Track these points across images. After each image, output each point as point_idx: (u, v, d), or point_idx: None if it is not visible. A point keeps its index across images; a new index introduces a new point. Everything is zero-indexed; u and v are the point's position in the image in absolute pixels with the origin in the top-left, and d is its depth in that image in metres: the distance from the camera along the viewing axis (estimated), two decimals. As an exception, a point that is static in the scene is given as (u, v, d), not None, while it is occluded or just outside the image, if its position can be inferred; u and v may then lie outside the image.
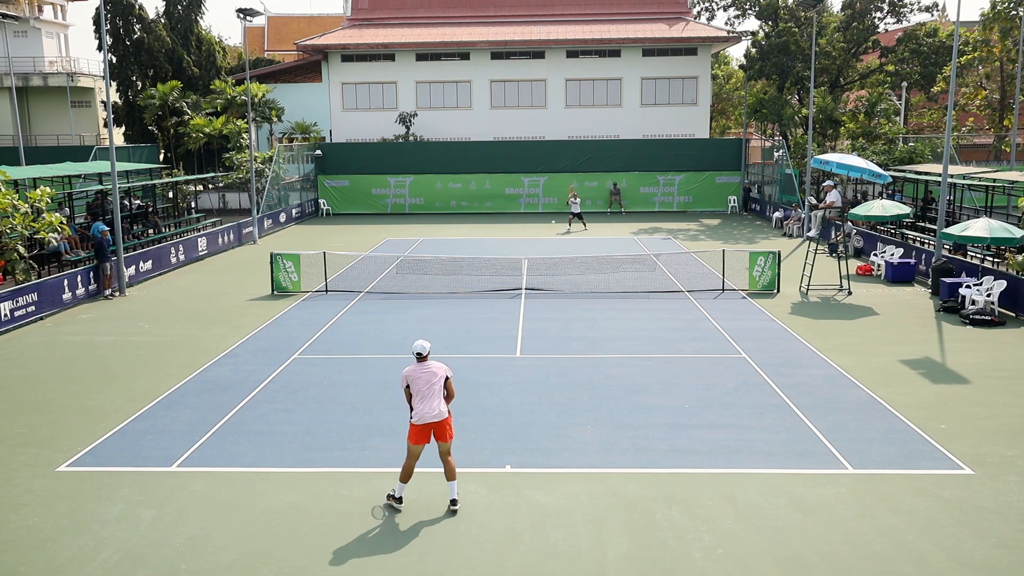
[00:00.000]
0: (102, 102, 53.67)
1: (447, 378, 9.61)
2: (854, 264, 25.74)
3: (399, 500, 9.56)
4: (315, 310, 20.27)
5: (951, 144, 27.70)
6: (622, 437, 11.72)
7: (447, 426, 9.51)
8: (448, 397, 9.60)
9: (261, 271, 24.75)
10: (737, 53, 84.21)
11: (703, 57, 49.78)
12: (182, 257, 27.68)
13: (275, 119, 48.13)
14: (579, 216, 36.84)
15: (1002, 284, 18.90)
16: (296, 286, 22.40)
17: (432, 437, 9.51)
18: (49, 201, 21.60)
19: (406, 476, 9.53)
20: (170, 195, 35.36)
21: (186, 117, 47.33)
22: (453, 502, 9.51)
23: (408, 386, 9.55)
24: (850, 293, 21.92)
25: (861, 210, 23.61)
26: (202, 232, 30.62)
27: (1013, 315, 19.07)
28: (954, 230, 19.69)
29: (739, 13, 49.03)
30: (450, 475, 9.56)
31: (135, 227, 29.14)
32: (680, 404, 13.10)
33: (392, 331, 18.10)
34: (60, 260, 23.49)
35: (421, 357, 9.58)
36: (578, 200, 36.91)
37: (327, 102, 50.73)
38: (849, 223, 26.73)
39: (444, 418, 9.46)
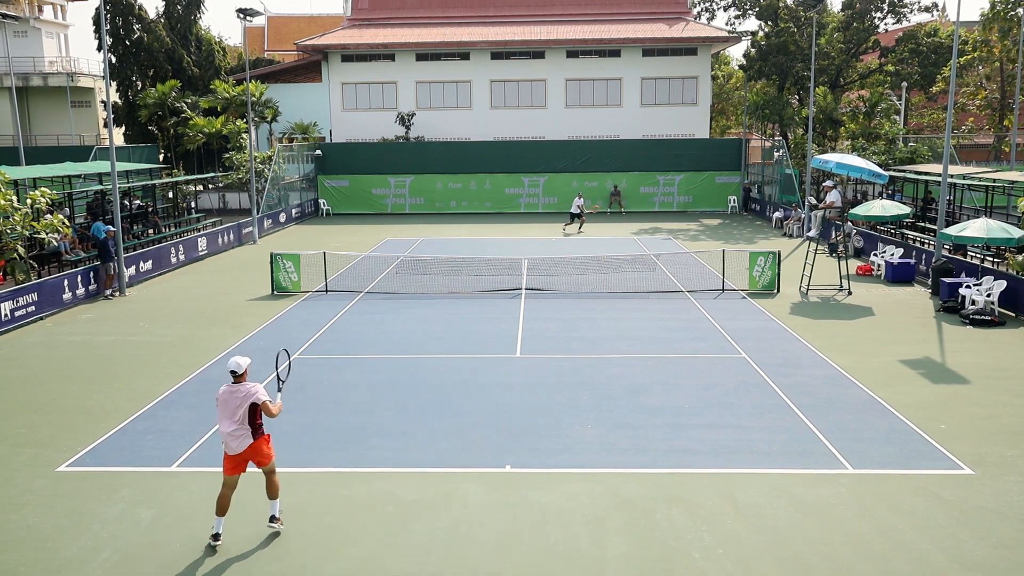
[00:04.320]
0: (102, 102, 53.68)
1: (255, 404, 8.56)
2: (854, 264, 25.74)
3: (216, 537, 8.67)
4: (315, 310, 20.27)
5: (951, 144, 27.69)
6: (622, 437, 11.72)
7: (260, 452, 8.73)
8: (266, 416, 8.74)
9: (261, 271, 24.75)
10: (737, 53, 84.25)
11: (703, 57, 49.79)
12: (182, 257, 27.68)
13: (270, 118, 48.09)
14: (578, 216, 36.07)
15: (1002, 284, 18.90)
16: (296, 286, 22.40)
17: (249, 464, 8.80)
18: (48, 202, 21.61)
19: (222, 509, 8.70)
20: (170, 195, 35.37)
21: (184, 116, 47.34)
22: (272, 519, 8.94)
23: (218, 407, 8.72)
24: (850, 293, 21.92)
25: (861, 210, 23.62)
26: (202, 232, 30.62)
27: (1013, 315, 19.07)
28: (952, 230, 19.69)
29: (739, 13, 49.06)
30: (272, 493, 8.96)
31: (135, 227, 29.14)
32: (680, 404, 13.10)
33: (392, 331, 18.10)
34: (60, 260, 23.49)
35: (236, 376, 8.62)
36: (581, 202, 36.19)
37: (327, 102, 50.74)
38: (849, 223, 26.74)
39: (249, 445, 8.61)
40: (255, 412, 8.63)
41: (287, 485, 10.23)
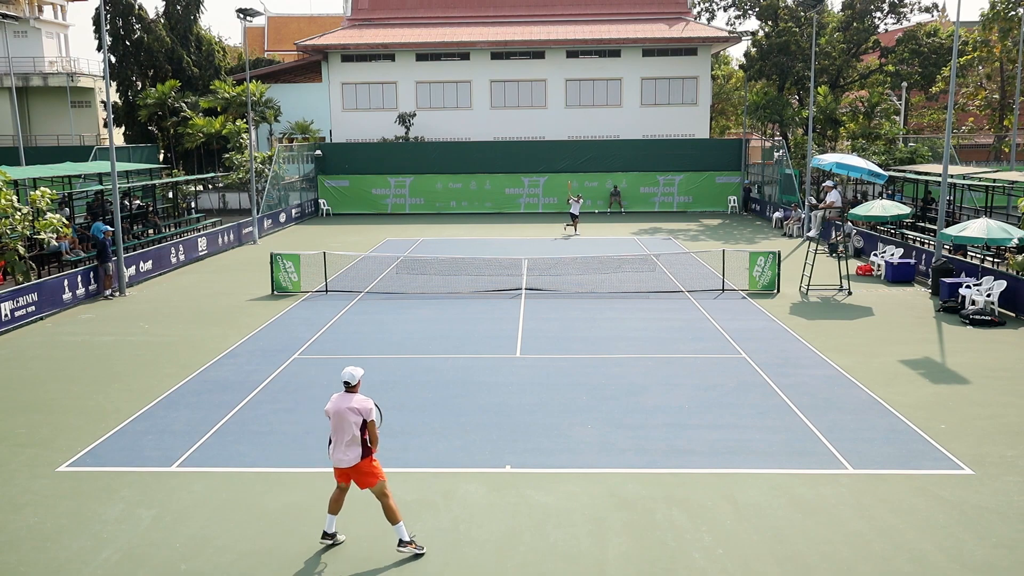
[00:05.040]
0: (102, 102, 53.67)
1: (365, 421, 8.33)
2: (854, 264, 25.74)
3: (327, 535, 8.72)
4: (315, 310, 20.28)
5: (951, 144, 27.69)
6: (622, 437, 11.72)
7: (363, 473, 8.43)
8: (370, 441, 8.41)
9: (261, 271, 24.75)
10: (737, 53, 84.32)
11: (703, 57, 49.78)
12: (182, 257, 27.68)
13: (272, 119, 48.10)
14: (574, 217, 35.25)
15: (1002, 284, 18.90)
16: (296, 286, 22.40)
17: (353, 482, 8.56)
18: (49, 202, 21.62)
19: (333, 509, 8.70)
20: (170, 195, 35.37)
21: (184, 116, 47.34)
22: (400, 543, 8.51)
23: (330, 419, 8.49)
24: (850, 293, 21.92)
25: (861, 210, 23.62)
26: (202, 232, 30.62)
27: (1013, 315, 19.07)
28: (952, 230, 19.70)
29: (739, 13, 49.10)
30: (390, 517, 8.48)
31: (135, 227, 29.14)
32: (680, 404, 13.10)
33: (392, 331, 18.10)
34: (60, 260, 23.50)
35: (348, 387, 8.41)
36: (580, 202, 35.51)
37: (327, 102, 50.75)
38: (849, 223, 26.76)
39: (353, 465, 8.37)
40: (365, 429, 8.36)
41: (287, 485, 10.24)
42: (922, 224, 28.93)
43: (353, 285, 23.28)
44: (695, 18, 51.29)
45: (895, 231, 28.63)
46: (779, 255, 22.35)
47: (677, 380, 14.37)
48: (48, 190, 21.79)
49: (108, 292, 22.23)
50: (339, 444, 8.41)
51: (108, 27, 48.76)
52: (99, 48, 49.88)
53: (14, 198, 20.79)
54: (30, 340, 17.80)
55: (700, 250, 29.31)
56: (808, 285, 22.35)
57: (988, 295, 18.85)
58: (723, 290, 22.11)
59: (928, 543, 8.69)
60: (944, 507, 9.49)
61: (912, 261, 23.87)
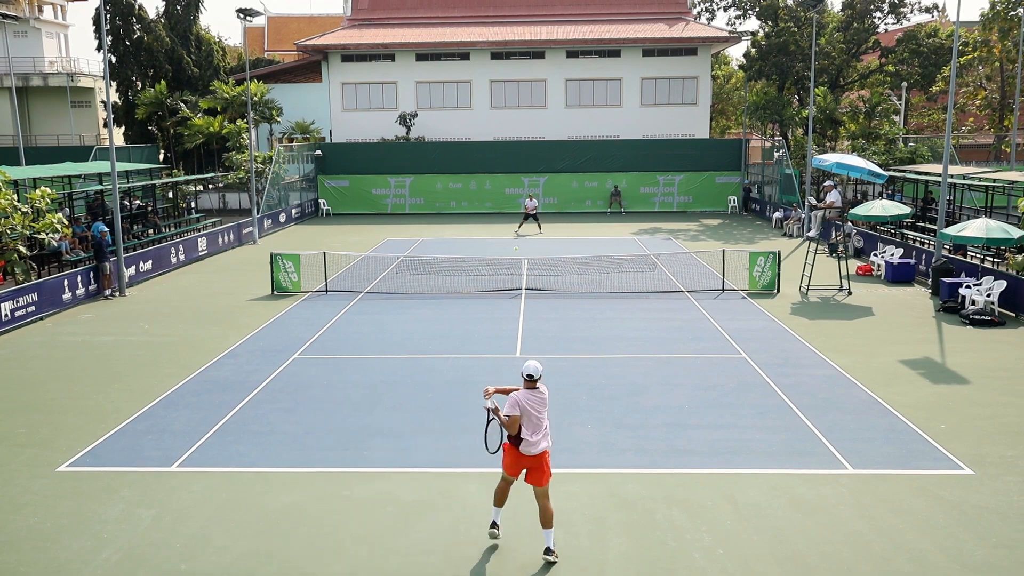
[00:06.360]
0: (102, 102, 53.68)
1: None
2: (854, 264, 25.73)
3: (493, 524, 8.84)
4: (315, 310, 20.27)
5: (951, 144, 27.68)
6: (622, 437, 11.72)
7: (545, 464, 8.49)
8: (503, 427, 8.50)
9: (261, 271, 24.74)
10: (737, 53, 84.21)
11: (703, 57, 49.80)
12: (182, 257, 27.68)
13: (275, 119, 48.13)
14: (534, 218, 35.12)
15: (1002, 284, 18.90)
16: (296, 286, 22.40)
17: (524, 475, 8.55)
18: (49, 202, 21.63)
19: (499, 501, 8.80)
20: (170, 195, 35.38)
21: (183, 116, 47.35)
22: (547, 551, 8.39)
23: (521, 415, 8.34)
24: (850, 293, 21.92)
25: (861, 210, 23.61)
26: (202, 232, 30.62)
27: (1013, 315, 19.07)
28: (952, 230, 19.70)
29: (739, 13, 49.08)
30: (546, 521, 8.48)
31: (135, 227, 29.14)
32: (680, 404, 13.10)
33: (392, 331, 18.10)
34: (60, 260, 23.50)
35: (532, 380, 8.48)
36: (534, 202, 35.44)
37: (327, 102, 50.76)
38: (849, 223, 26.74)
39: (542, 451, 8.44)
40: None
41: (287, 485, 10.24)
42: (922, 224, 28.92)
43: (353, 285, 23.28)
44: (695, 18, 51.29)
45: (895, 231, 28.63)
46: (779, 255, 22.35)
47: (677, 380, 14.37)
48: (48, 190, 21.80)
49: (108, 292, 22.23)
50: (533, 437, 8.35)
51: (108, 27, 48.77)
52: (99, 48, 49.91)
53: (14, 198, 20.79)
54: (30, 340, 17.80)
55: (700, 250, 29.31)
56: (808, 285, 22.35)
57: (988, 295, 18.84)
58: (723, 290, 22.10)
59: (928, 543, 8.69)
60: (944, 507, 9.49)
61: (912, 261, 23.87)
